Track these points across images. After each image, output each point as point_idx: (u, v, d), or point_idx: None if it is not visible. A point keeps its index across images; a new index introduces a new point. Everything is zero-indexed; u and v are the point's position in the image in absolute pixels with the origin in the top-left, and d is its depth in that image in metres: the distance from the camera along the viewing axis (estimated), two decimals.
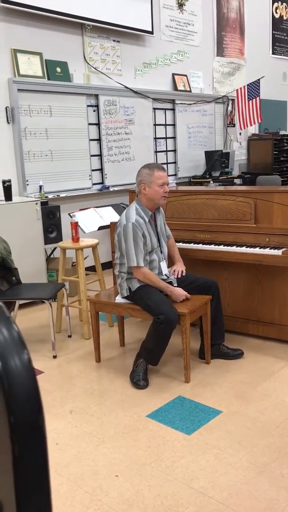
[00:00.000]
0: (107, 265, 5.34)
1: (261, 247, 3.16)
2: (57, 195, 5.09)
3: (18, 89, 4.67)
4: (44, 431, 0.48)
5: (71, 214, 4.15)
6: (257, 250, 3.15)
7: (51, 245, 4.81)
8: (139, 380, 2.93)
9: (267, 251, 3.11)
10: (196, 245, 3.41)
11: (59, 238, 4.76)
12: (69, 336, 3.80)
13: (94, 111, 5.47)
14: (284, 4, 8.57)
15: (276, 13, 8.43)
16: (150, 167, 3.03)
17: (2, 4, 4.42)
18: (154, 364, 3.02)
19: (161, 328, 2.79)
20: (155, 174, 2.98)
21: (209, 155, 6.91)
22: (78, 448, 2.36)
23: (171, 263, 3.30)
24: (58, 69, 5.08)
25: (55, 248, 5.02)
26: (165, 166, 6.49)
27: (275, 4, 8.38)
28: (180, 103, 6.59)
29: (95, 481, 2.11)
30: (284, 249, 3.07)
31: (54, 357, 3.42)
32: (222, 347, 3.24)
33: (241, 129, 7.33)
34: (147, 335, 2.92)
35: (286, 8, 8.63)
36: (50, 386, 3.00)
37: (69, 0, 4.97)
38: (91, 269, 4.69)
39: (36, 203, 4.53)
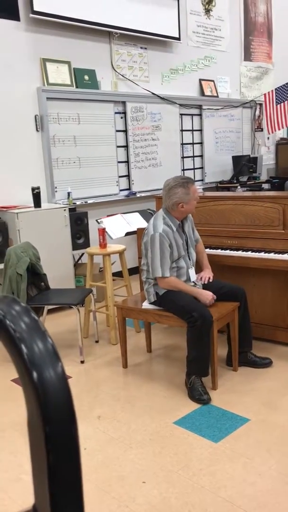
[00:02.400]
0: (134, 271, 5.36)
1: None
2: (85, 202, 5.15)
3: (47, 98, 4.75)
4: (78, 440, 0.49)
5: (99, 220, 4.19)
6: (286, 256, 3.11)
7: (79, 251, 4.87)
8: (201, 395, 2.81)
9: None
10: (223, 251, 3.39)
11: (86, 244, 4.81)
12: (97, 342, 3.83)
13: (121, 118, 5.52)
14: None
15: None
16: (183, 185, 2.95)
17: (31, 15, 4.52)
18: (205, 375, 2.87)
19: (198, 327, 2.75)
20: (191, 191, 2.97)
21: (236, 160, 6.87)
22: (105, 453, 2.38)
23: (199, 269, 3.29)
24: (86, 77, 5.15)
25: (82, 254, 5.07)
26: (191, 171, 6.50)
27: None
28: (207, 108, 6.58)
29: (122, 487, 2.12)
30: None
31: (82, 362, 3.45)
32: (250, 355, 3.21)
33: (269, 133, 7.26)
34: (187, 346, 2.88)
35: None
36: (78, 391, 3.03)
37: (97, 9, 5.04)
38: (118, 274, 4.72)
39: (64, 210, 4.60)
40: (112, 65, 5.44)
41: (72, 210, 4.77)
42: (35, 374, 0.47)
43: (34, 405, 0.48)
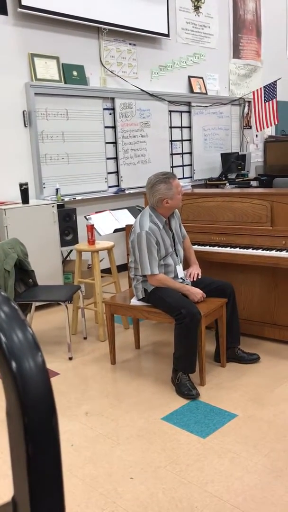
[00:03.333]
0: (123, 268, 5.36)
1: (277, 250, 3.14)
2: (73, 198, 5.13)
3: (35, 93, 4.71)
4: (57, 432, 0.49)
5: (87, 217, 4.17)
6: (273, 253, 3.13)
7: (67, 248, 4.85)
8: (189, 390, 2.81)
9: (283, 253, 3.08)
10: (211, 247, 3.40)
11: (75, 241, 4.79)
12: (85, 338, 3.82)
13: (110, 114, 5.50)
14: None
15: None
16: (165, 180, 2.95)
17: (19, 9, 4.48)
18: (192, 371, 2.87)
19: (186, 324, 2.76)
20: (173, 185, 2.96)
21: (225, 157, 6.88)
22: (93, 450, 2.37)
23: (187, 265, 3.30)
24: (75, 73, 5.12)
25: (71, 251, 5.05)
26: (180, 168, 6.50)
27: None
28: (196, 106, 6.59)
29: (110, 483, 2.12)
30: None
31: (70, 359, 3.44)
32: (238, 351, 3.23)
33: (257, 131, 7.29)
34: (174, 343, 2.88)
35: None
36: (66, 388, 3.02)
37: (86, 5, 5.01)
38: (106, 271, 4.71)
39: (53, 206, 4.57)
40: (101, 61, 5.42)
41: (60, 207, 4.74)
42: (14, 364, 0.46)
43: (13, 396, 0.47)
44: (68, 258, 5.10)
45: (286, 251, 3.10)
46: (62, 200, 4.92)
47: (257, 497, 1.98)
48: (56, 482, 0.47)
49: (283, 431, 2.44)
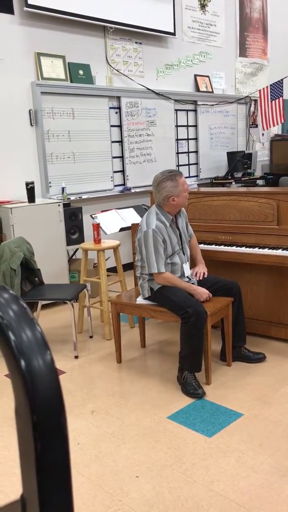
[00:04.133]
0: (129, 266, 5.36)
1: (284, 249, 3.13)
2: (79, 197, 5.13)
3: (41, 92, 4.72)
4: (66, 430, 0.49)
5: (93, 216, 4.18)
6: (279, 252, 3.12)
7: (73, 246, 4.85)
8: (195, 389, 2.81)
9: None
10: (217, 246, 3.39)
11: (81, 240, 4.80)
12: (91, 337, 3.83)
13: (116, 113, 5.50)
14: None
15: None
16: (171, 178, 2.95)
17: (25, 8, 4.48)
18: (198, 370, 2.87)
19: (192, 323, 2.75)
20: (180, 183, 2.96)
21: (231, 156, 6.87)
22: (99, 448, 2.38)
23: (193, 264, 3.29)
24: (81, 72, 5.12)
25: (77, 249, 5.06)
26: (186, 167, 6.49)
27: None
28: (202, 104, 6.57)
29: (115, 482, 2.12)
30: None
31: (76, 357, 3.44)
32: (244, 350, 3.22)
33: (263, 129, 7.27)
34: (180, 342, 2.88)
35: None
36: (72, 386, 3.03)
37: (91, 3, 5.01)
38: (112, 270, 4.72)
39: (59, 205, 4.58)
40: (107, 59, 5.42)
41: (66, 205, 4.75)
42: (23, 363, 0.46)
43: (21, 394, 0.47)
44: (74, 257, 5.10)
45: None
46: (68, 199, 4.93)
47: (263, 496, 1.98)
48: (65, 480, 0.47)
49: None
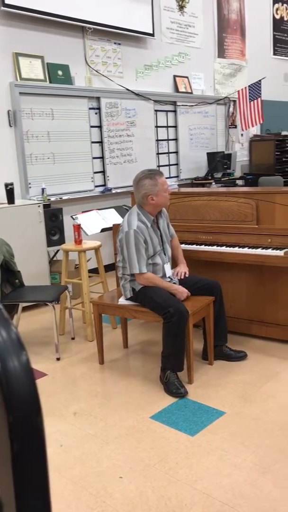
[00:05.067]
0: (110, 267, 5.35)
1: (263, 248, 3.16)
2: (60, 198, 5.11)
3: (20, 93, 4.69)
4: (43, 430, 0.49)
5: (74, 217, 4.16)
6: (259, 251, 3.15)
7: (54, 248, 4.83)
8: (178, 388, 2.81)
9: (269, 251, 3.11)
10: (198, 246, 3.41)
11: (61, 241, 4.78)
12: (73, 338, 3.81)
13: (95, 113, 5.49)
14: (285, 5, 8.58)
15: (277, 14, 8.44)
16: (150, 176, 2.97)
17: (3, 8, 4.44)
18: (180, 369, 2.88)
19: (174, 322, 2.76)
20: (159, 182, 2.96)
21: (211, 156, 6.91)
22: (82, 449, 2.37)
23: (175, 264, 3.30)
24: (60, 72, 5.10)
25: (58, 251, 5.03)
26: (167, 168, 6.51)
27: (276, 5, 8.39)
28: (182, 105, 6.60)
29: (99, 483, 2.12)
30: (286, 250, 3.07)
31: (58, 359, 3.42)
32: (225, 349, 3.24)
33: (243, 130, 7.33)
34: (162, 341, 2.89)
35: (286, 9, 8.63)
36: (54, 388, 3.01)
37: (70, 4, 4.99)
38: (94, 271, 4.70)
39: (39, 206, 4.55)
40: (86, 60, 5.41)
41: (46, 206, 4.72)
42: None
43: None
44: (54, 258, 5.08)
45: (272, 249, 3.12)
46: (48, 200, 4.90)
47: (246, 493, 2.00)
48: (42, 481, 0.47)
49: (270, 427, 2.46)
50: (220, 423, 2.52)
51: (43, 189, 4.86)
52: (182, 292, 2.97)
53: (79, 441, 2.44)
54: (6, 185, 4.38)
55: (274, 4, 8.35)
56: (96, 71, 5.51)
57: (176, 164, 6.69)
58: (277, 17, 8.46)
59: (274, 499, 1.95)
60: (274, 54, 8.51)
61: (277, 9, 8.42)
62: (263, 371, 3.06)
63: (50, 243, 4.72)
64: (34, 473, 0.46)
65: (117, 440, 2.43)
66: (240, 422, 2.52)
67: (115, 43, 5.70)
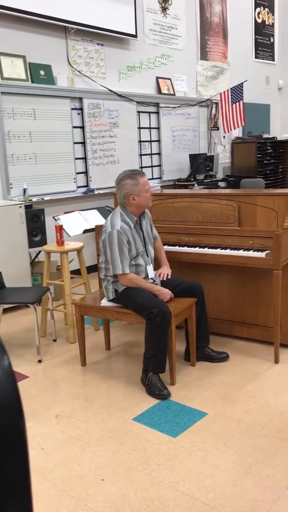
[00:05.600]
0: (93, 269, 5.33)
1: (245, 250, 3.19)
2: (42, 198, 5.07)
3: (1, 92, 4.64)
4: (25, 435, 0.48)
5: (56, 217, 4.14)
6: (241, 253, 3.17)
7: (36, 249, 4.79)
8: (161, 390, 2.81)
9: (250, 253, 3.13)
10: (181, 248, 3.42)
11: (43, 242, 4.74)
12: (54, 340, 3.78)
13: (78, 114, 5.46)
14: (267, 9, 8.68)
15: (259, 18, 8.53)
16: (131, 176, 2.98)
17: None
18: (162, 371, 2.88)
19: (157, 323, 2.76)
20: (140, 182, 2.96)
21: (193, 158, 6.94)
22: (64, 452, 2.35)
23: (157, 265, 3.31)
24: (42, 72, 5.06)
25: (39, 252, 4.99)
26: (149, 169, 6.52)
27: (258, 9, 8.48)
28: (164, 106, 6.62)
29: (81, 486, 2.10)
30: (267, 251, 3.09)
31: (39, 361, 3.39)
32: (207, 350, 3.26)
33: (225, 132, 7.39)
34: (145, 343, 2.88)
35: (268, 13, 8.73)
36: (35, 391, 2.98)
37: (53, 3, 4.96)
38: (76, 272, 4.67)
39: (20, 207, 4.51)
40: (68, 60, 5.38)
41: (28, 207, 4.69)
42: None
43: None
44: (36, 260, 5.03)
45: (253, 251, 3.15)
46: (30, 200, 4.86)
47: (228, 493, 2.01)
48: (24, 485, 0.46)
49: (252, 428, 2.47)
50: (202, 424, 2.53)
51: (24, 190, 4.82)
52: (165, 293, 2.98)
53: (61, 443, 2.43)
54: None
55: (255, 8, 8.44)
56: (79, 72, 5.49)
57: (159, 166, 6.70)
58: (259, 21, 8.55)
59: (255, 499, 1.96)
60: (256, 57, 8.59)
61: (258, 13, 8.51)
62: (245, 372, 3.08)
63: (31, 244, 4.68)
64: (16, 477, 0.46)
65: (99, 442, 2.42)
66: (222, 423, 2.53)
67: (98, 44, 5.68)
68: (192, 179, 6.76)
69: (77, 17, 5.23)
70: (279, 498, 1.97)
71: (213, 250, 3.28)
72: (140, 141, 6.32)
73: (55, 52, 5.23)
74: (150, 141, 6.53)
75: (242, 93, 6.79)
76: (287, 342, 3.37)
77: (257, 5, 8.44)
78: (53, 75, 5.16)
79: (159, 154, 6.68)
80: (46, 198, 5.12)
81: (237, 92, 6.78)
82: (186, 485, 2.07)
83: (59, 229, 3.79)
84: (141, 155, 6.36)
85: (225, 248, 3.27)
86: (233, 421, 2.54)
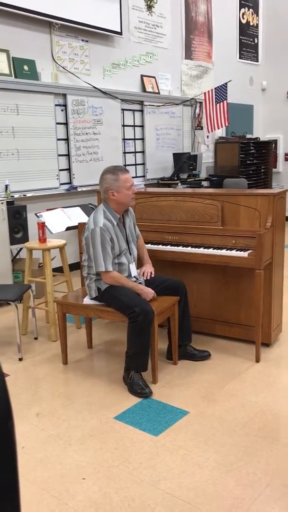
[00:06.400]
0: (75, 266, 5.30)
1: (227, 249, 3.20)
2: (24, 195, 5.02)
3: None
4: (14, 435, 0.47)
5: (38, 214, 4.10)
6: (223, 252, 3.18)
7: (17, 246, 4.74)
8: (143, 388, 2.81)
9: (233, 253, 3.15)
10: (164, 246, 3.42)
11: (25, 239, 4.69)
12: (36, 338, 3.75)
13: (62, 110, 5.42)
14: (251, 10, 8.73)
15: (243, 18, 8.57)
16: (113, 171, 2.97)
17: None
18: (144, 370, 2.87)
19: (139, 322, 2.75)
20: (121, 178, 2.95)
21: (177, 157, 6.96)
22: (44, 451, 2.33)
23: (140, 264, 3.30)
24: (26, 67, 5.01)
25: (21, 249, 4.94)
26: (133, 167, 6.50)
27: (242, 10, 8.52)
28: (149, 105, 6.61)
29: (62, 485, 2.09)
30: (249, 251, 3.12)
31: (20, 359, 3.36)
32: (189, 348, 3.27)
33: (208, 132, 7.42)
34: (127, 341, 2.87)
35: (252, 14, 8.79)
36: (16, 389, 2.95)
37: None
38: (58, 270, 4.64)
39: (2, 203, 4.46)
40: (52, 56, 5.33)
41: (10, 204, 4.63)
42: None
43: None
44: (18, 257, 4.98)
45: (236, 250, 3.17)
46: (11, 196, 4.80)
47: (208, 491, 2.02)
48: (12, 486, 0.45)
49: (233, 426, 2.49)
50: (183, 423, 2.54)
51: (6, 186, 4.77)
52: (148, 292, 2.97)
53: (42, 442, 2.41)
54: None
55: (240, 8, 8.48)
56: (63, 68, 5.45)
57: (143, 164, 6.69)
58: (243, 21, 8.60)
59: (235, 497, 1.98)
60: (240, 57, 8.64)
61: (243, 14, 8.56)
62: (226, 371, 3.10)
63: (13, 241, 4.63)
64: (4, 478, 0.45)
65: (81, 441, 2.40)
66: (204, 422, 2.54)
67: (82, 40, 5.65)
68: (175, 178, 6.77)
69: (62, 12, 5.18)
70: (260, 495, 1.98)
71: (196, 249, 3.29)
72: (124, 139, 6.30)
73: (39, 48, 5.17)
74: (134, 139, 6.51)
75: (226, 93, 6.82)
76: (268, 341, 3.40)
77: (241, 5, 8.49)
78: (37, 70, 5.11)
79: (143, 152, 6.67)
80: (29, 194, 5.07)
81: (221, 92, 6.81)
82: (168, 484, 2.07)
83: (42, 226, 3.76)
84: (125, 153, 6.34)
85: (208, 247, 3.28)
86: (214, 420, 2.55)
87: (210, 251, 3.23)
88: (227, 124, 7.03)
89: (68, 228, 4.20)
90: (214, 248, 3.25)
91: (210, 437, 2.40)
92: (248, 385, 2.91)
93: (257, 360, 3.22)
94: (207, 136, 7.95)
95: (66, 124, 5.47)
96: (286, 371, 3.09)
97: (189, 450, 2.30)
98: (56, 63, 5.37)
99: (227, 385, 2.92)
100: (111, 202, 2.99)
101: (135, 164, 6.57)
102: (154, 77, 6.77)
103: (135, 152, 6.55)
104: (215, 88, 6.90)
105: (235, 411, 2.63)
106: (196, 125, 7.64)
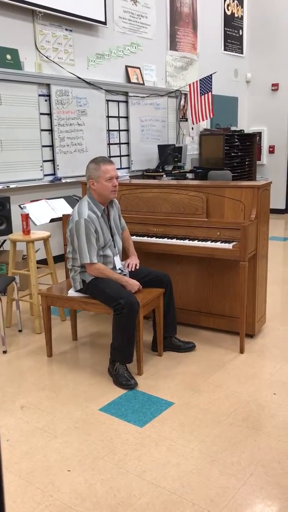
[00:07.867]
0: (59, 258, 5.27)
1: (212, 241, 3.21)
2: (7, 186, 4.96)
3: None
4: None
5: (22, 206, 4.05)
6: (208, 244, 3.19)
7: (1, 238, 4.69)
8: (128, 380, 2.81)
9: (218, 244, 3.16)
10: (149, 238, 3.41)
11: (9, 230, 4.64)
12: (20, 331, 3.72)
13: (45, 100, 5.35)
14: (236, 1, 8.70)
15: (228, 10, 8.54)
16: (96, 161, 2.96)
17: None
18: (129, 361, 2.88)
19: (124, 314, 2.75)
20: (101, 169, 2.93)
21: (162, 149, 6.93)
22: (29, 444, 2.32)
23: (125, 256, 3.29)
24: (8, 56, 4.92)
25: (4, 241, 4.89)
26: (118, 158, 6.47)
27: (227, 1, 8.49)
28: (133, 96, 6.57)
29: (47, 477, 2.09)
30: (234, 243, 3.13)
31: (4, 352, 3.34)
32: (174, 340, 3.28)
33: (193, 123, 7.40)
34: (112, 332, 2.86)
35: (237, 6, 8.76)
36: (0, 382, 2.93)
37: None
38: (42, 262, 4.61)
39: None
40: (36, 45, 5.25)
41: None
42: None
43: None
44: (1, 249, 4.93)
45: (221, 242, 3.17)
46: None
47: (194, 482, 2.03)
48: None
49: (217, 416, 2.51)
50: (168, 414, 2.55)
51: None
52: (133, 284, 2.97)
53: (27, 435, 2.40)
54: None
55: (225, 0, 8.44)
56: (47, 57, 5.37)
57: (128, 155, 6.66)
58: (228, 13, 8.57)
59: (220, 486, 2.00)
60: (225, 49, 8.62)
61: (228, 5, 8.52)
62: (211, 362, 3.12)
63: None
64: None
65: (66, 433, 2.40)
66: (189, 413, 2.55)
67: (66, 30, 5.57)
68: (160, 170, 6.75)
69: (45, 0, 5.10)
70: (244, 484, 2.00)
71: (181, 241, 3.29)
72: (108, 130, 6.25)
73: (22, 36, 5.09)
74: (119, 130, 6.47)
75: (211, 85, 6.81)
76: (252, 332, 3.43)
77: None
78: (20, 59, 5.03)
79: (127, 143, 6.63)
80: (12, 186, 5.01)
81: (206, 83, 6.79)
82: (153, 474, 2.08)
83: (25, 217, 3.72)
84: (109, 144, 6.30)
85: (193, 239, 3.29)
86: (199, 411, 2.57)
87: (195, 243, 3.24)
88: (211, 116, 7.02)
89: (52, 220, 4.16)
90: (199, 240, 3.26)
91: (195, 428, 2.42)
92: (233, 376, 2.93)
93: (241, 351, 3.25)
94: (192, 128, 7.93)
95: (50, 114, 5.41)
96: (269, 362, 3.12)
97: (174, 441, 2.31)
98: (40, 52, 5.29)
99: (212, 376, 2.93)
100: (93, 192, 2.98)
101: (120, 156, 6.53)
102: (138, 68, 6.72)
103: (120, 143, 6.51)
104: (200, 80, 6.88)
105: (220, 402, 2.65)
106: (181, 117, 7.62)
